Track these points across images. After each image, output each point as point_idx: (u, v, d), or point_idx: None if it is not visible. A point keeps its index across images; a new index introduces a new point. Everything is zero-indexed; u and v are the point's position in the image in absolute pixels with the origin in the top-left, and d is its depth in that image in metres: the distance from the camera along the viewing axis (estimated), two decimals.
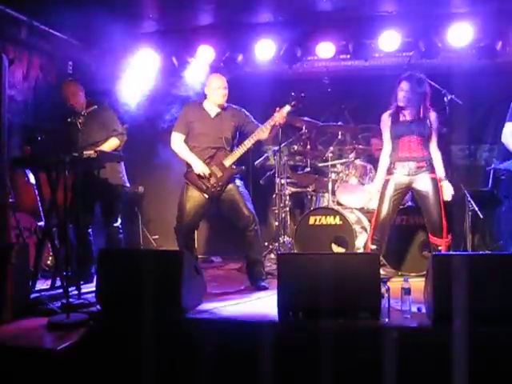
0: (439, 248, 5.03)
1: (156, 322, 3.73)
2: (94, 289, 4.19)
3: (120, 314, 3.90)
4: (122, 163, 5.59)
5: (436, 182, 5.06)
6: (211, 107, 5.20)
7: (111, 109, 5.61)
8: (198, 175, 5.04)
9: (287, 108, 5.07)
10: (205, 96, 5.26)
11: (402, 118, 5.10)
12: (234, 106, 5.31)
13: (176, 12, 6.42)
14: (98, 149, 5.02)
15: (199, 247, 6.79)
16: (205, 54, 6.98)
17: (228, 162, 5.08)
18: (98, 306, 4.10)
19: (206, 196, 5.07)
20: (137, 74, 7.01)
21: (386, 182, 5.15)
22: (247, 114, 5.31)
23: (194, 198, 5.08)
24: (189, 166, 5.13)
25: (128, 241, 5.69)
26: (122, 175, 5.58)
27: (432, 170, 5.08)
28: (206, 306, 4.28)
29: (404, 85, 5.06)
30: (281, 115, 5.06)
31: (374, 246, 5.14)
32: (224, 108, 5.21)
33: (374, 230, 5.17)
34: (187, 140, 5.18)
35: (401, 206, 5.78)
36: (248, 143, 5.08)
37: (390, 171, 5.15)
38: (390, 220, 5.18)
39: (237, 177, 5.20)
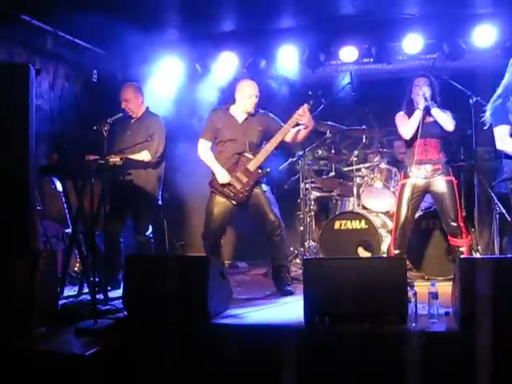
0: (461, 249, 5.01)
1: (182, 327, 3.75)
2: (121, 295, 4.22)
3: (147, 320, 3.92)
4: (160, 175, 5.61)
5: (452, 185, 5.10)
6: (239, 113, 5.19)
7: (159, 117, 5.64)
8: (222, 184, 5.04)
9: (305, 106, 4.99)
10: (233, 101, 5.24)
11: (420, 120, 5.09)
12: (260, 111, 5.28)
13: (199, 19, 6.45)
14: (124, 156, 5.08)
15: (225, 253, 6.79)
16: (228, 61, 7.02)
17: (252, 166, 5.06)
18: (125, 312, 4.13)
19: (234, 202, 5.07)
20: (162, 82, 7.08)
21: (403, 185, 5.16)
22: (274, 117, 5.27)
23: (221, 204, 5.08)
24: (213, 173, 5.13)
25: (154, 247, 5.71)
26: (157, 186, 5.58)
27: (447, 172, 5.12)
28: (233, 311, 4.28)
29: (422, 80, 5.10)
30: (300, 114, 4.96)
31: (397, 251, 5.12)
32: (252, 113, 5.19)
33: (394, 234, 5.17)
34: (214, 146, 5.19)
35: (426, 210, 5.76)
36: (271, 146, 5.06)
37: (406, 175, 5.14)
38: (411, 224, 5.17)
39: (263, 181, 5.18)
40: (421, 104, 5.04)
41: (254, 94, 5.13)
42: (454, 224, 5.05)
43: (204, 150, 5.19)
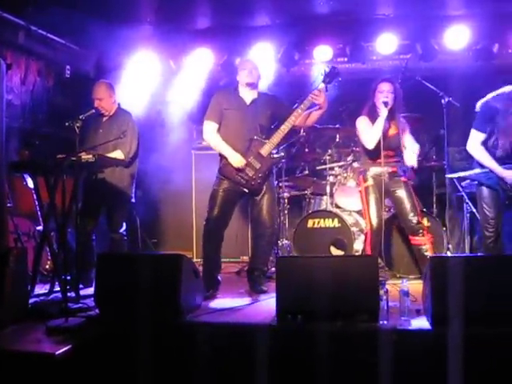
0: (423, 247, 5.05)
1: (154, 325, 3.73)
2: (93, 293, 4.18)
3: (118, 318, 3.90)
4: (133, 173, 5.55)
5: (408, 186, 5.17)
6: (246, 93, 4.96)
7: (131, 115, 5.55)
8: (237, 169, 4.80)
9: (321, 85, 4.83)
10: (237, 83, 5.03)
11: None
12: (267, 93, 5.16)
13: (173, 16, 6.42)
14: (97, 153, 5.03)
15: (198, 250, 6.79)
16: (203, 57, 7.00)
17: (265, 150, 4.80)
18: (97, 310, 4.10)
19: (246, 190, 4.84)
20: (135, 79, 7.04)
21: (366, 189, 5.18)
22: (282, 101, 5.11)
23: (229, 191, 4.85)
24: (223, 158, 4.88)
25: (126, 244, 5.67)
26: (131, 184, 5.51)
27: (403, 174, 5.19)
28: (205, 309, 4.28)
29: (386, 87, 5.09)
30: (316, 94, 4.78)
31: (371, 250, 5.16)
32: (259, 95, 5.00)
33: (371, 237, 5.19)
34: (220, 129, 4.94)
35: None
36: (285, 128, 4.79)
37: (365, 178, 5.19)
38: (383, 223, 5.21)
39: (272, 178, 5.03)
40: (383, 113, 4.98)
41: (247, 66, 4.96)
42: (414, 223, 5.08)
43: (211, 132, 4.92)
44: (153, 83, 7.24)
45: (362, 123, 5.18)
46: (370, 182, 5.16)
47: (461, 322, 3.44)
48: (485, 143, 4.50)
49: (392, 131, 5.15)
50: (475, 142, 4.52)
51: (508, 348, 3.38)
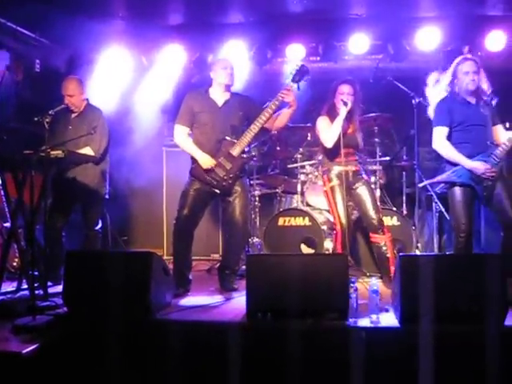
0: (382, 244, 5.09)
1: (124, 323, 3.70)
2: (61, 291, 4.13)
3: (87, 316, 3.86)
4: (105, 169, 5.50)
5: (369, 184, 5.27)
6: (218, 95, 4.97)
7: (101, 111, 5.49)
8: (207, 170, 4.81)
9: (291, 84, 4.83)
10: (210, 84, 5.02)
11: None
12: (240, 94, 5.14)
13: (146, 11, 6.36)
14: (67, 150, 4.96)
15: (168, 248, 6.76)
16: (175, 54, 6.95)
17: (236, 151, 4.81)
18: (65, 308, 4.05)
19: (217, 191, 4.86)
20: (107, 74, 6.96)
21: (332, 188, 5.22)
22: (254, 101, 5.09)
23: (200, 191, 4.86)
24: (194, 160, 4.89)
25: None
26: (103, 180, 5.47)
27: (364, 173, 5.30)
28: (175, 307, 4.28)
29: (346, 88, 5.13)
30: (285, 93, 4.79)
31: (342, 249, 5.18)
32: (231, 95, 4.99)
33: (341, 236, 5.20)
34: (192, 131, 4.96)
35: None
36: (255, 127, 4.80)
37: (329, 178, 5.23)
38: (351, 220, 5.24)
39: (244, 177, 5.05)
40: (342, 113, 5.02)
41: (228, 66, 4.94)
42: (375, 221, 5.12)
43: (181, 135, 4.95)
44: (124, 79, 7.16)
45: (322, 123, 5.23)
46: (335, 181, 5.19)
47: (429, 319, 3.49)
48: (450, 140, 4.54)
49: (350, 130, 5.21)
50: (440, 137, 4.56)
51: (476, 345, 3.42)
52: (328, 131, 5.11)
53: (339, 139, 4.95)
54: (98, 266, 4.03)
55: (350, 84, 5.18)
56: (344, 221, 5.15)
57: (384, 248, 5.08)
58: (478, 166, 4.41)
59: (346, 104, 5.02)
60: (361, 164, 5.33)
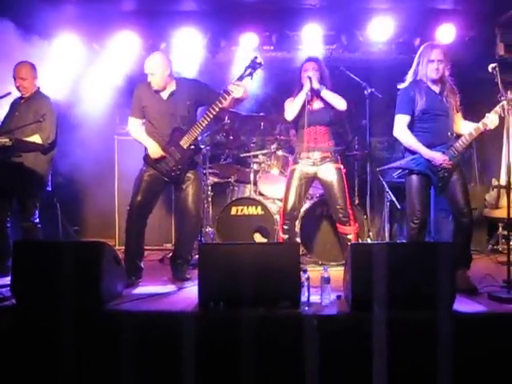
0: (348, 237, 5.15)
1: (75, 314, 3.64)
2: (9, 283, 4.03)
3: (36, 308, 3.78)
4: (51, 159, 5.35)
5: (340, 172, 5.20)
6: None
7: (50, 99, 5.34)
8: (157, 159, 4.81)
9: (243, 79, 4.78)
10: None
11: (308, 107, 5.10)
12: (187, 79, 5.06)
13: None
14: (15, 137, 4.83)
15: (120, 238, 6.68)
16: (127, 41, 6.84)
17: (185, 142, 4.80)
18: (14, 300, 3.95)
19: (167, 179, 4.87)
20: (57, 61, 6.82)
21: (292, 171, 5.22)
22: (204, 85, 5.02)
23: (153, 178, 4.85)
24: (147, 149, 4.89)
25: (46, 232, 5.49)
26: (47, 171, 5.32)
27: (336, 160, 5.24)
28: (127, 297, 4.22)
29: (310, 65, 5.15)
30: (232, 90, 4.74)
31: (285, 236, 5.20)
32: (177, 85, 4.90)
33: (283, 219, 5.24)
34: (145, 123, 4.94)
35: (321, 197, 5.90)
36: (203, 122, 4.77)
37: (295, 161, 5.22)
38: (298, 210, 5.27)
39: (198, 166, 5.03)
40: (306, 87, 5.04)
41: (149, 72, 4.81)
42: (342, 211, 5.15)
43: (133, 127, 4.94)
44: (75, 66, 7.02)
45: (287, 103, 5.25)
46: (298, 165, 5.20)
47: (380, 306, 3.54)
48: (411, 128, 4.59)
49: (318, 105, 5.20)
50: (401, 125, 4.57)
51: (426, 331, 3.50)
52: (290, 105, 5.15)
53: (305, 122, 4.97)
54: (48, 256, 3.94)
55: (313, 61, 5.21)
56: (288, 206, 5.16)
57: (349, 239, 5.13)
58: (436, 156, 4.45)
59: (309, 78, 5.03)
60: (335, 150, 5.28)
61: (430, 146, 4.49)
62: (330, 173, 5.17)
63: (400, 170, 4.69)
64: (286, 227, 5.21)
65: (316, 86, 5.05)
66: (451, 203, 4.55)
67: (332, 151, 5.23)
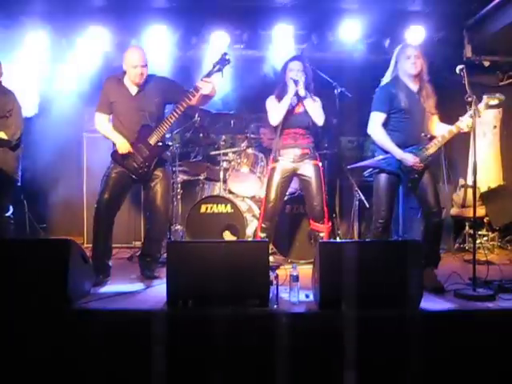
0: (320, 234, 5.17)
1: (41, 313, 3.61)
2: None
3: (2, 306, 3.72)
4: (19, 155, 5.30)
5: (318, 169, 5.24)
6: (131, 84, 4.86)
7: (14, 94, 5.26)
8: (125, 155, 4.77)
9: (211, 75, 4.78)
10: (125, 71, 4.87)
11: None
12: (157, 76, 5.00)
13: None
14: None
15: (88, 235, 6.61)
16: (97, 37, 6.76)
17: (153, 139, 4.78)
18: None
19: (134, 177, 4.83)
20: (25, 57, 6.72)
21: (272, 169, 5.24)
22: (172, 82, 5.02)
23: (120, 174, 4.81)
24: (115, 144, 4.83)
25: (12, 229, 5.42)
26: (16, 166, 5.27)
27: (315, 157, 5.26)
28: (95, 295, 4.20)
29: (296, 65, 5.16)
30: (201, 86, 4.73)
31: (263, 234, 5.21)
32: (146, 81, 4.85)
33: (262, 218, 5.25)
34: (112, 119, 4.90)
35: (291, 195, 5.91)
36: (171, 118, 4.77)
37: (275, 158, 5.24)
38: (278, 207, 5.28)
39: (167, 164, 5.03)
40: (290, 90, 5.06)
41: (139, 64, 4.76)
42: (319, 208, 5.17)
43: (100, 122, 4.88)
44: (43, 61, 6.92)
45: (269, 102, 5.25)
46: (278, 163, 5.21)
47: (348, 304, 3.57)
48: (385, 126, 4.62)
49: (300, 109, 5.21)
50: (376, 123, 4.60)
51: (394, 328, 3.55)
52: (274, 109, 5.14)
53: (285, 124, 5.04)
54: (13, 254, 3.88)
55: (299, 60, 5.23)
56: (270, 204, 5.19)
57: (321, 237, 5.15)
58: (408, 157, 4.49)
59: (295, 82, 5.03)
60: (313, 147, 5.30)
61: (402, 146, 4.53)
62: (308, 169, 5.21)
63: (370, 169, 4.72)
64: (264, 226, 5.23)
65: (302, 93, 5.06)
66: (421, 203, 4.60)
67: (311, 148, 5.26)
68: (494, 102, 4.34)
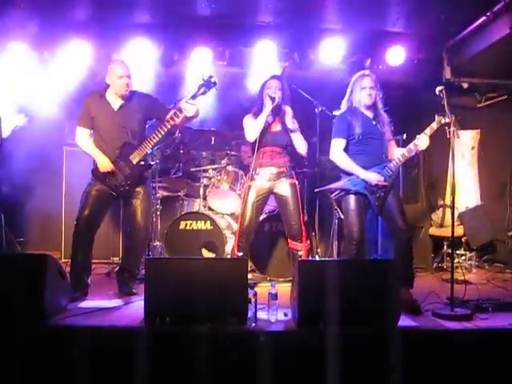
0: (299, 253, 5.18)
1: (16, 329, 3.55)
2: None
3: None
4: None
5: (295, 188, 5.27)
6: (114, 98, 4.85)
7: None
8: (106, 173, 4.75)
9: (196, 97, 4.76)
10: (108, 85, 4.87)
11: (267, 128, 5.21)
12: (138, 92, 4.99)
13: (49, 4, 6.12)
14: None
15: (66, 250, 6.54)
16: (79, 51, 6.74)
17: (135, 158, 4.77)
18: None
19: (115, 194, 4.81)
20: (6, 70, 6.69)
21: (248, 187, 5.27)
22: (155, 99, 5.01)
23: (101, 192, 4.78)
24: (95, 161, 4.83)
25: None
26: None
27: (291, 175, 5.30)
28: (72, 311, 4.14)
29: (274, 83, 5.23)
30: (189, 106, 4.71)
31: (240, 253, 5.20)
32: (129, 97, 4.86)
33: (239, 236, 5.25)
34: (93, 134, 4.88)
35: (269, 213, 5.92)
36: (154, 138, 4.75)
37: (251, 177, 5.26)
38: (255, 226, 5.28)
39: (148, 180, 5.02)
40: (266, 108, 5.09)
41: (124, 75, 4.77)
42: (296, 227, 5.20)
43: (81, 138, 4.86)
44: (24, 74, 6.88)
45: (246, 121, 5.29)
46: (254, 181, 5.24)
47: (326, 323, 3.57)
48: (347, 151, 4.69)
49: (276, 127, 5.25)
50: (337, 149, 4.70)
51: (372, 348, 3.55)
52: (250, 126, 5.18)
53: (262, 142, 5.09)
54: None
55: (277, 79, 5.28)
56: (246, 223, 5.19)
57: (299, 256, 5.16)
58: (371, 176, 4.56)
59: (272, 99, 5.07)
60: (290, 166, 5.35)
61: (365, 167, 4.62)
62: (285, 188, 5.23)
63: (338, 191, 4.77)
64: (241, 244, 5.22)
65: (291, 126, 5.20)
66: (389, 222, 4.64)
67: (287, 167, 5.29)
68: (446, 121, 4.43)
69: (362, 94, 4.69)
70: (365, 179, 4.57)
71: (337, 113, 4.87)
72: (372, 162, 4.63)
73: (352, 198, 4.62)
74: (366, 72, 4.84)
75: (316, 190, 5.53)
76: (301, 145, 5.27)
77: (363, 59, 6.99)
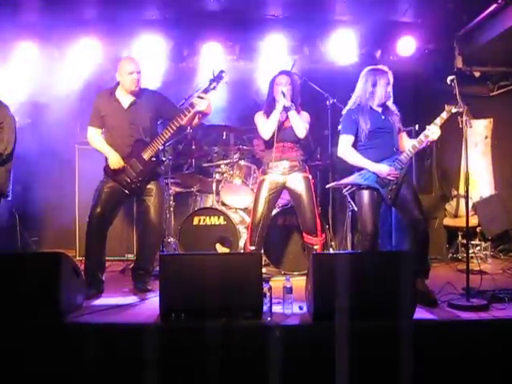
0: (314, 247, 5.16)
1: (33, 327, 3.57)
2: None
3: None
4: (10, 168, 5.24)
5: (309, 181, 5.24)
6: (124, 96, 4.85)
7: (8, 107, 5.23)
8: (117, 170, 4.76)
9: (207, 92, 4.77)
10: (117, 83, 4.88)
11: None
12: (149, 90, 5.00)
13: (59, 3, 6.14)
14: None
15: (80, 248, 6.57)
16: (89, 48, 6.76)
17: (147, 154, 4.78)
18: None
19: (127, 192, 4.82)
20: (19, 67, 6.72)
21: (261, 182, 5.25)
22: (167, 99, 5.00)
23: (113, 189, 4.80)
24: (107, 159, 4.84)
25: (3, 243, 5.38)
26: (7, 180, 5.21)
27: (304, 169, 5.27)
28: (87, 309, 4.16)
29: (284, 79, 5.18)
30: (196, 103, 4.72)
31: (252, 247, 5.19)
32: (138, 95, 4.86)
33: (251, 231, 5.23)
34: (104, 133, 4.90)
35: (283, 207, 5.90)
36: (166, 134, 4.76)
37: (264, 171, 5.24)
38: (267, 220, 5.26)
39: (161, 177, 5.02)
40: (279, 105, 5.07)
41: (134, 70, 4.77)
42: (311, 221, 5.17)
43: (93, 136, 4.90)
44: (36, 73, 6.92)
45: (258, 118, 5.25)
46: (267, 176, 5.21)
47: (342, 316, 3.55)
48: (357, 147, 4.65)
49: (289, 123, 5.20)
50: (345, 145, 4.65)
51: (388, 340, 3.52)
52: (264, 125, 5.15)
53: (275, 138, 5.03)
54: (3, 267, 3.85)
55: (287, 74, 5.24)
56: (257, 217, 5.17)
57: (315, 250, 5.13)
58: (381, 168, 4.52)
59: (284, 95, 5.05)
60: (302, 160, 5.31)
61: (376, 161, 4.58)
62: (298, 182, 5.20)
63: (349, 187, 4.73)
64: (253, 238, 5.20)
65: (287, 104, 5.07)
66: (405, 213, 4.59)
67: (300, 160, 5.26)
68: (455, 110, 4.38)
69: (387, 90, 4.63)
70: (375, 172, 4.54)
71: (344, 110, 4.81)
72: (383, 156, 4.58)
73: (364, 193, 4.58)
74: (386, 68, 4.77)
75: (327, 186, 5.50)
76: (298, 125, 5.14)
77: (374, 50, 6.96)
